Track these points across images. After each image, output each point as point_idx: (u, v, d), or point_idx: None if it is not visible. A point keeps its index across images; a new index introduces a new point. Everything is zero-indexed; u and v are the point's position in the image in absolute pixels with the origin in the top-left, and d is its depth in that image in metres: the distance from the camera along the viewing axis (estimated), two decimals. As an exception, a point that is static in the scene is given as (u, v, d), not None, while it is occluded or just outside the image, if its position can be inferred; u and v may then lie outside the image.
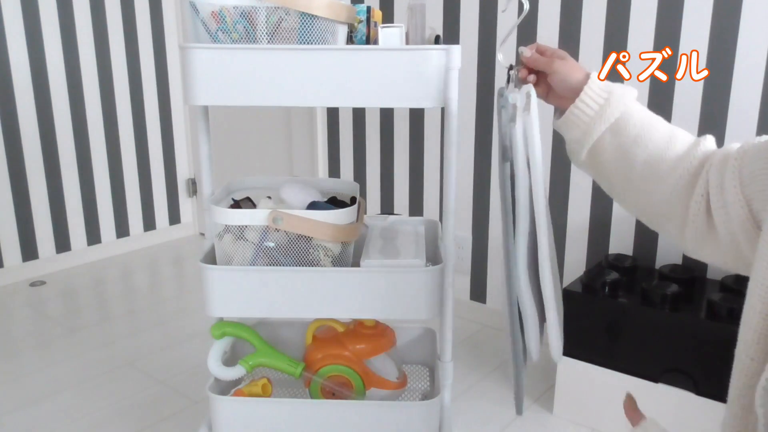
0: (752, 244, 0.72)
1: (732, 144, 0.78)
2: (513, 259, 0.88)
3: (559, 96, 0.91)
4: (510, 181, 0.87)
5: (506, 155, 0.86)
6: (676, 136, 0.83)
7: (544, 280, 0.86)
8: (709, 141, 0.81)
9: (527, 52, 0.93)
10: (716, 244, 0.77)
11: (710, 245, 0.78)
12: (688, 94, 1.80)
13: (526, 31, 2.06)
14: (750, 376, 0.64)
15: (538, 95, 0.91)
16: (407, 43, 1.19)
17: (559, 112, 0.93)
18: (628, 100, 0.85)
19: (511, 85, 0.95)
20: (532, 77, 0.93)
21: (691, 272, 1.72)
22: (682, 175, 0.79)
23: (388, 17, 2.40)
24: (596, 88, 0.86)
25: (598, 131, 0.85)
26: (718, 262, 0.79)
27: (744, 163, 0.72)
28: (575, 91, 0.87)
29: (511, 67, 0.96)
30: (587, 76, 0.87)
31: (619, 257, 1.85)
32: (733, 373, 0.66)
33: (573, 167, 2.06)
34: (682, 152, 0.81)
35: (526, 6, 0.99)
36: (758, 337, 0.63)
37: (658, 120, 0.86)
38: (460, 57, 1.14)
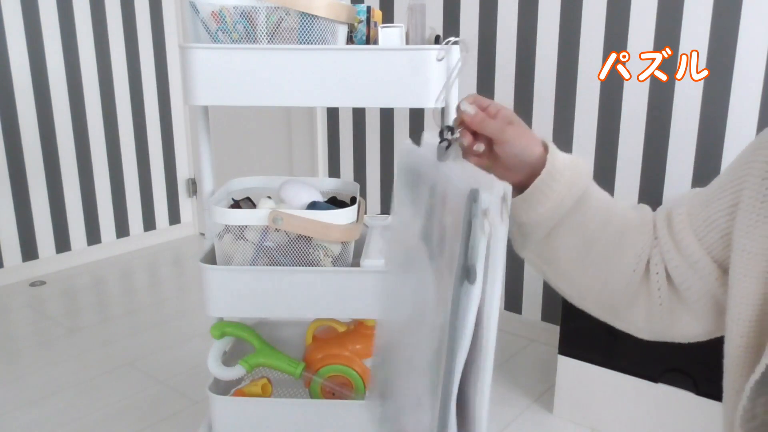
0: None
1: (667, 202, 0.73)
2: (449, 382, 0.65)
3: (506, 168, 0.72)
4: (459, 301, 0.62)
5: (472, 275, 0.60)
6: (627, 215, 0.74)
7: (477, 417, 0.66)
8: (646, 209, 0.75)
9: (471, 109, 0.69)
10: (691, 313, 0.72)
11: (685, 319, 0.73)
12: (688, 94, 1.80)
13: (527, 30, 2.06)
14: (733, 404, 0.64)
15: (474, 164, 0.69)
16: (407, 43, 1.19)
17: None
18: (589, 177, 0.73)
19: (449, 153, 0.70)
20: (479, 146, 0.70)
21: (691, 272, 1.72)
22: (637, 254, 0.72)
23: (388, 17, 2.40)
24: (563, 159, 0.71)
25: (566, 207, 0.71)
26: (700, 332, 0.73)
27: (693, 215, 0.68)
28: (532, 167, 0.70)
29: (450, 131, 0.70)
30: (546, 148, 0.71)
31: (619, 257, 1.85)
32: (723, 401, 0.66)
33: (573, 167, 2.06)
34: (633, 230, 0.73)
35: (463, 54, 0.84)
36: (740, 369, 0.63)
37: (614, 201, 0.76)
38: (460, 57, 1.14)
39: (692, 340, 0.75)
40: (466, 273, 0.60)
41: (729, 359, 0.65)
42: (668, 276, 0.71)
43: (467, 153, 0.71)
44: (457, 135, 0.70)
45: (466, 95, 0.72)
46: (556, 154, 0.70)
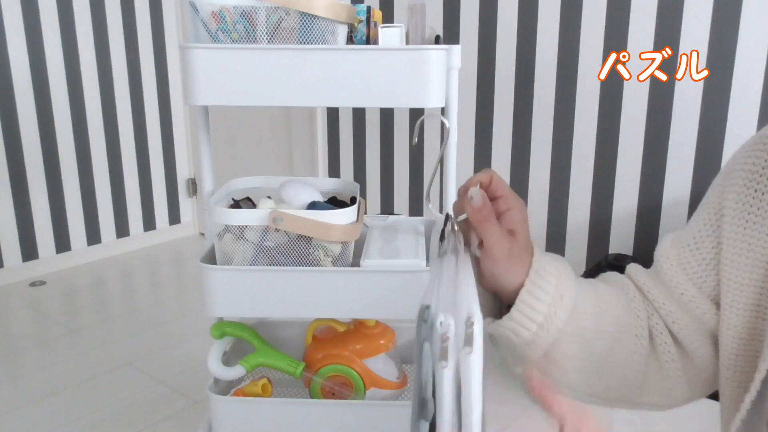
0: None
1: (640, 269, 0.69)
2: None
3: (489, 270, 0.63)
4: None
5: (425, 411, 0.50)
6: (614, 300, 0.69)
7: None
8: (626, 278, 0.71)
9: (477, 199, 0.59)
10: (699, 367, 0.68)
11: (697, 375, 0.69)
12: (688, 94, 1.80)
13: (527, 30, 2.06)
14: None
15: (466, 245, 0.61)
16: (407, 43, 1.19)
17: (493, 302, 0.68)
18: (574, 293, 0.66)
19: (446, 245, 0.61)
20: (474, 249, 0.62)
21: (691, 272, 1.72)
22: (638, 330, 0.68)
23: (388, 17, 2.40)
24: (549, 269, 0.64)
25: (561, 318, 0.64)
26: (714, 381, 0.69)
27: (685, 263, 0.64)
28: (509, 286, 0.63)
29: (449, 219, 0.62)
30: (529, 267, 0.63)
31: (619, 257, 1.85)
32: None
33: (573, 167, 2.06)
34: (626, 311, 0.68)
35: (448, 125, 0.78)
36: (730, 404, 0.61)
37: (604, 302, 0.69)
38: (460, 57, 1.14)
39: (711, 392, 0.70)
40: (420, 407, 0.50)
41: (721, 393, 0.64)
42: (673, 338, 0.67)
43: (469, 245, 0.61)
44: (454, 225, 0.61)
45: (482, 171, 0.61)
46: (541, 262, 0.63)
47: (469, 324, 0.47)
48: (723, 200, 0.60)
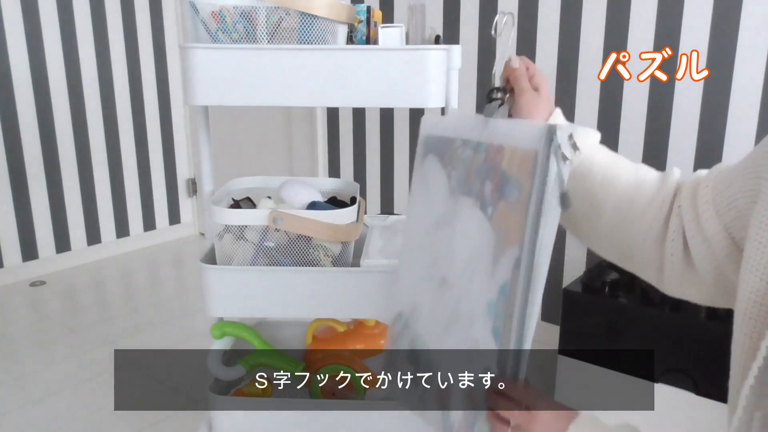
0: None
1: (698, 173, 0.74)
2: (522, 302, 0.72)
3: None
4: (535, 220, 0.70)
5: (566, 201, 0.69)
6: (644, 178, 0.79)
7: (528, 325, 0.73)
8: (675, 175, 0.77)
9: (516, 62, 0.87)
10: (699, 281, 0.73)
11: (693, 285, 0.74)
12: (688, 94, 1.80)
13: (527, 31, 2.06)
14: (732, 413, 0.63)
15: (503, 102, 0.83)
16: (407, 43, 1.19)
17: None
18: (591, 143, 0.81)
19: (498, 111, 0.82)
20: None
21: (691, 272, 1.72)
22: (656, 218, 0.74)
23: (388, 17, 2.40)
24: (566, 122, 0.82)
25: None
26: (705, 299, 0.75)
27: (717, 191, 0.69)
28: None
29: (503, 91, 0.85)
30: (550, 115, 0.82)
31: (619, 257, 1.85)
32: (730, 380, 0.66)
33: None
34: (650, 195, 0.76)
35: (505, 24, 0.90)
36: (739, 371, 0.62)
37: (622, 161, 0.82)
38: (460, 57, 1.14)
39: (698, 302, 0.76)
40: (562, 200, 0.69)
41: (732, 356, 0.65)
42: (684, 245, 0.72)
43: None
44: (506, 96, 0.83)
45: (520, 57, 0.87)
46: (557, 116, 0.81)
47: (572, 136, 0.70)
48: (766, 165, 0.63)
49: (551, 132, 0.68)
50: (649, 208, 0.75)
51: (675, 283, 0.75)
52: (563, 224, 0.82)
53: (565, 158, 0.68)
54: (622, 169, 0.80)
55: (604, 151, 0.82)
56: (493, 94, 0.84)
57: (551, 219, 0.69)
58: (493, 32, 0.95)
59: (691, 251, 0.71)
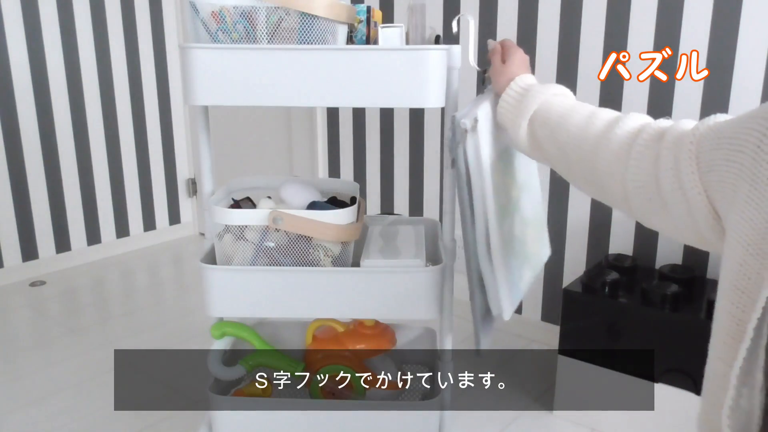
0: (713, 230, 0.70)
1: (682, 123, 0.75)
2: (472, 241, 1.04)
3: None
4: (467, 187, 1.02)
5: (454, 162, 1.04)
6: (596, 115, 0.87)
7: (493, 256, 1.03)
8: (633, 118, 0.83)
9: (491, 44, 1.10)
10: (667, 216, 0.76)
11: (659, 216, 0.77)
12: (688, 94, 1.80)
13: (527, 31, 2.06)
14: (714, 395, 0.64)
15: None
16: (407, 42, 1.19)
17: None
18: (548, 95, 0.96)
19: (484, 87, 1.12)
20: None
21: (691, 272, 1.72)
22: (607, 151, 0.82)
23: (388, 17, 2.40)
24: (515, 87, 1.00)
25: (519, 125, 0.97)
26: (670, 232, 0.78)
27: (702, 149, 0.69)
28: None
29: (484, 71, 1.11)
30: (510, 81, 1.02)
31: (619, 257, 1.85)
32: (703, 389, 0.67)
33: (573, 167, 2.06)
34: (600, 130, 0.84)
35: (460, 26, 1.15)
36: (729, 340, 0.63)
37: (581, 105, 0.92)
38: (460, 57, 1.14)
39: (668, 236, 0.80)
40: (451, 161, 1.08)
41: (715, 325, 0.66)
42: (655, 184, 0.75)
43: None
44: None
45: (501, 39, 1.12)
46: (512, 84, 1.01)
47: (473, 120, 0.98)
48: (746, 138, 0.63)
49: (453, 120, 1.00)
50: (600, 143, 0.83)
51: (642, 212, 0.80)
52: (557, 172, 0.98)
53: (463, 137, 0.98)
54: (578, 111, 0.90)
55: (565, 101, 0.95)
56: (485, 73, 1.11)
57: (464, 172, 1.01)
58: (454, 30, 1.17)
59: (664, 191, 0.74)
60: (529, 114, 0.96)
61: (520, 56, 1.05)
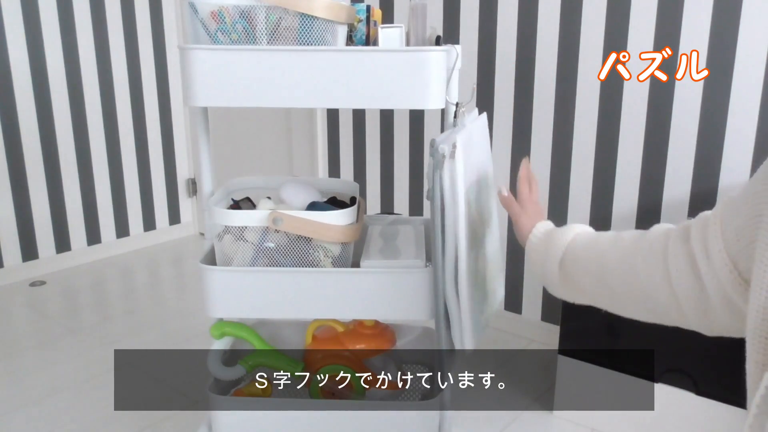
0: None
1: (702, 214, 0.77)
2: (441, 270, 1.07)
3: None
4: (440, 213, 1.04)
5: (428, 195, 1.05)
6: (619, 236, 0.88)
7: (460, 287, 1.05)
8: (655, 227, 0.84)
9: (504, 191, 1.09)
10: (716, 308, 0.75)
11: (712, 316, 0.76)
12: (688, 94, 1.80)
13: (527, 30, 2.06)
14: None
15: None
16: (408, 43, 1.19)
17: None
18: (571, 234, 0.95)
19: (457, 120, 1.14)
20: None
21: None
22: (652, 266, 0.80)
23: (388, 17, 2.40)
24: (538, 234, 1.00)
25: (551, 270, 0.95)
26: (735, 330, 0.76)
27: (725, 224, 0.71)
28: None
29: (457, 105, 1.14)
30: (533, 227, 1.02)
31: (619, 257, 1.85)
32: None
33: (573, 167, 2.06)
34: (630, 248, 0.84)
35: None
36: (753, 386, 0.63)
37: (602, 233, 0.92)
38: (461, 58, 1.14)
39: (732, 335, 0.77)
40: (428, 194, 1.06)
41: (748, 375, 0.65)
42: (696, 279, 0.75)
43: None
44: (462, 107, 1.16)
45: (524, 161, 1.14)
46: (534, 231, 1.01)
47: (453, 145, 1.01)
48: (765, 192, 0.65)
49: (431, 143, 1.02)
50: (637, 257, 0.82)
51: (700, 316, 0.77)
52: (602, 308, 0.94)
53: (440, 163, 1.01)
54: (600, 238, 0.91)
55: (584, 236, 0.95)
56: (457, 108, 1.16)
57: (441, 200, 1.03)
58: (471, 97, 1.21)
59: (705, 282, 0.73)
60: (559, 257, 0.94)
61: (533, 208, 1.07)
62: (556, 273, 0.94)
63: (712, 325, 0.77)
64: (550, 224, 1.03)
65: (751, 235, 0.66)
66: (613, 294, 0.87)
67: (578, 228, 0.96)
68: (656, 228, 0.83)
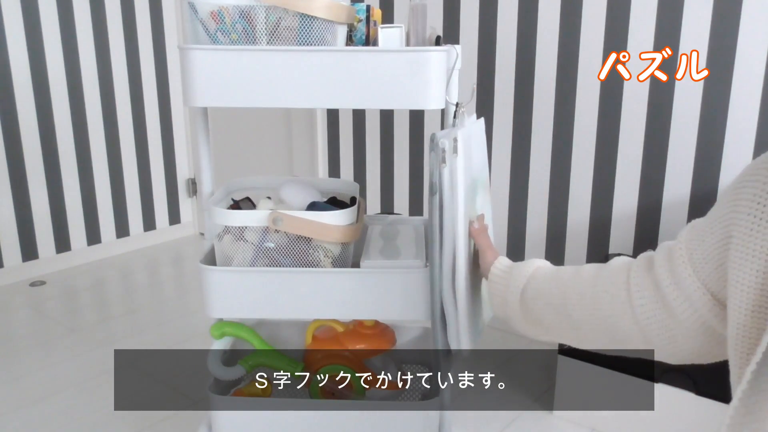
0: (725, 323, 0.70)
1: (664, 243, 0.77)
2: (438, 268, 1.06)
3: None
4: (439, 211, 1.03)
5: (433, 189, 1.02)
6: (581, 268, 0.88)
7: (457, 286, 1.04)
8: (614, 260, 0.84)
9: (475, 224, 1.08)
10: (687, 339, 0.75)
11: (678, 343, 0.76)
12: (688, 94, 1.80)
13: (527, 30, 2.06)
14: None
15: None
16: (408, 43, 1.19)
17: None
18: (532, 269, 0.95)
19: (456, 120, 1.13)
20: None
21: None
22: (606, 294, 0.81)
23: (388, 17, 2.40)
24: (500, 266, 1.00)
25: (510, 303, 0.96)
26: (695, 357, 0.77)
27: (691, 250, 0.72)
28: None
29: (457, 105, 1.13)
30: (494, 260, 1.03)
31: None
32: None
33: (573, 167, 2.06)
34: (590, 278, 0.85)
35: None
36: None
37: (563, 268, 0.93)
38: (461, 58, 1.14)
39: (695, 362, 0.78)
40: (430, 187, 1.02)
41: (733, 391, 0.66)
42: (663, 307, 0.75)
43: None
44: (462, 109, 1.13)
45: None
46: (496, 263, 1.01)
47: (454, 140, 0.99)
48: (734, 209, 0.65)
49: (432, 138, 1.00)
50: (602, 291, 0.82)
51: (665, 347, 0.78)
52: (565, 343, 0.94)
53: (443, 159, 1.00)
54: (560, 273, 0.91)
55: (545, 270, 0.95)
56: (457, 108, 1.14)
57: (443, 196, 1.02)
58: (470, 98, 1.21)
59: (674, 309, 0.74)
60: (520, 288, 0.95)
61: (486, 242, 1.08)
62: (518, 305, 0.95)
63: (676, 351, 0.78)
64: (510, 261, 1.04)
65: (721, 257, 0.67)
66: (575, 325, 0.87)
67: (539, 262, 0.98)
68: (616, 260, 0.84)
